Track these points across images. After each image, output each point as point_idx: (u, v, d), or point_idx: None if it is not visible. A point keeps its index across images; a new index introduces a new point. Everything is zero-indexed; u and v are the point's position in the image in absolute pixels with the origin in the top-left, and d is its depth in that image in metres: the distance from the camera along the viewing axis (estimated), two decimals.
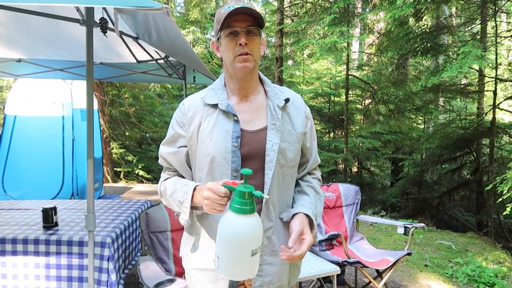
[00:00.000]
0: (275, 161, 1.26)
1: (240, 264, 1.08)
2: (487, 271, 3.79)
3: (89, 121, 2.19)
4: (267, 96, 1.35)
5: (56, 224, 2.73)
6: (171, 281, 2.42)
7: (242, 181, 1.08)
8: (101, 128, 7.65)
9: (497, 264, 4.30)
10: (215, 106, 1.30)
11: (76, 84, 5.42)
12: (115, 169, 9.54)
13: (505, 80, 8.11)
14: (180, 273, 2.51)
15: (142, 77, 5.31)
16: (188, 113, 1.32)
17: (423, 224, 3.14)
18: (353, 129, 10.46)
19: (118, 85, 9.15)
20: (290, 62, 11.62)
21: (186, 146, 1.33)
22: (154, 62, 4.08)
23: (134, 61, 3.96)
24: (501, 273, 3.89)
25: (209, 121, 1.28)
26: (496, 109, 6.89)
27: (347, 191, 3.49)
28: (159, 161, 1.42)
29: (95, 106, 6.17)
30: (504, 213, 4.35)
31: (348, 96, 8.87)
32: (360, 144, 9.81)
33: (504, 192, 4.56)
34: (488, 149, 7.60)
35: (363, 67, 9.70)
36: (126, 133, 9.78)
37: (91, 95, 2.20)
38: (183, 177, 1.38)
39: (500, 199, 4.57)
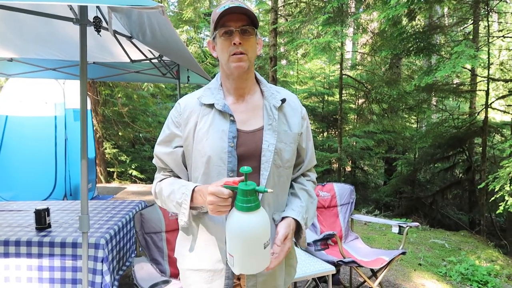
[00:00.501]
0: (271, 161, 1.26)
1: (255, 258, 1.10)
2: (480, 270, 3.82)
3: (83, 121, 2.17)
4: (263, 96, 1.35)
5: (49, 226, 2.70)
6: (166, 282, 2.41)
7: (242, 178, 1.08)
8: (94, 128, 7.59)
9: (489, 263, 4.34)
10: (211, 106, 1.29)
11: (68, 83, 5.37)
12: (108, 169, 9.47)
13: (497, 80, 8.18)
14: (175, 274, 2.50)
15: (135, 77, 5.27)
16: (184, 113, 1.31)
17: (417, 224, 3.16)
18: (347, 129, 10.50)
19: (111, 84, 9.08)
20: (284, 61, 11.62)
21: (182, 146, 1.32)
22: (148, 61, 4.06)
23: (128, 60, 3.93)
24: (494, 271, 3.92)
25: (205, 121, 1.27)
26: (488, 109, 6.96)
27: (342, 191, 3.50)
28: (154, 161, 1.41)
29: (88, 106, 6.11)
30: (497, 212, 4.39)
31: (342, 95, 8.90)
32: (354, 143, 9.84)
33: (496, 190, 4.60)
34: (481, 148, 7.67)
35: (356, 67, 9.74)
36: (119, 133, 9.72)
37: (85, 94, 2.18)
38: (178, 177, 1.37)
39: (492, 198, 4.61)
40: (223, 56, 1.26)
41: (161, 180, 1.36)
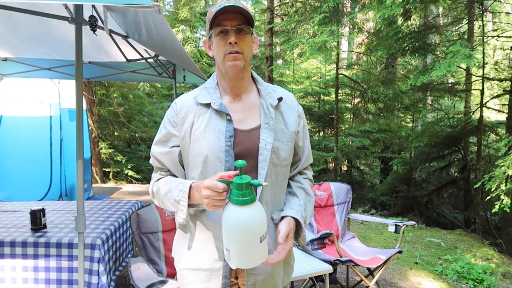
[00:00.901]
0: (269, 160, 1.26)
1: (251, 253, 1.10)
2: (476, 268, 3.84)
3: (78, 121, 2.15)
4: (260, 95, 1.35)
5: (45, 226, 2.69)
6: (163, 282, 2.40)
7: (237, 172, 1.08)
8: (90, 128, 7.55)
9: (485, 261, 4.36)
10: (207, 105, 1.29)
11: (64, 83, 5.34)
12: (104, 169, 9.43)
13: (492, 79, 8.23)
14: (172, 274, 2.49)
15: (131, 76, 5.25)
16: (180, 112, 1.31)
17: (413, 222, 3.17)
18: (343, 128, 10.52)
19: (106, 84, 9.05)
20: (280, 61, 11.62)
21: (178, 146, 1.32)
22: (143, 61, 4.04)
23: (124, 60, 3.91)
24: (489, 270, 3.95)
25: (202, 121, 1.27)
26: (483, 108, 7.00)
27: (338, 190, 3.50)
28: (151, 161, 1.40)
29: (84, 105, 6.07)
30: (493, 211, 4.41)
31: (338, 95, 8.91)
32: (350, 142, 9.87)
33: (492, 189, 4.62)
34: (476, 147, 7.72)
35: (352, 66, 9.76)
36: (115, 133, 9.68)
37: (81, 94, 2.17)
38: (176, 176, 1.37)
39: (488, 197, 4.63)
40: (218, 55, 1.26)
41: (158, 180, 1.36)
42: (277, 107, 1.33)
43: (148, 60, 4.03)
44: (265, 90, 1.36)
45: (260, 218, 1.08)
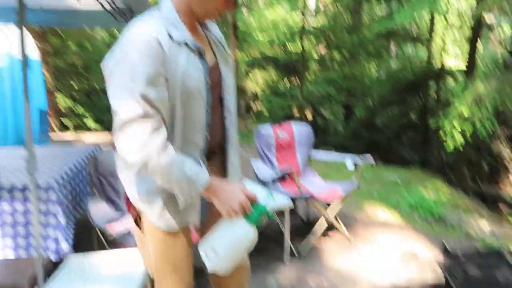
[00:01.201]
0: (231, 90, 1.35)
1: (236, 261, 1.24)
2: (428, 201, 4.12)
3: (24, 65, 2.07)
4: (206, 28, 1.36)
5: None
6: (121, 218, 2.43)
7: (255, 196, 1.22)
8: (45, 80, 7.17)
9: (436, 193, 4.66)
10: (182, 42, 1.20)
11: (14, 31, 4.95)
12: (63, 120, 9.10)
13: (453, 27, 8.37)
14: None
15: (85, 22, 4.93)
16: (164, 48, 1.15)
17: (371, 160, 3.24)
18: (308, 76, 10.51)
19: (62, 34, 8.55)
20: (245, 10, 11.29)
21: (164, 86, 1.16)
22: (99, 5, 3.74)
23: (77, 5, 3.63)
24: (439, 202, 4.24)
25: (182, 58, 1.18)
26: (444, 55, 7.17)
27: (300, 131, 3.56)
28: (137, 107, 1.11)
29: (37, 56, 5.70)
30: (448, 150, 4.66)
31: (304, 44, 8.84)
32: (315, 90, 9.91)
33: (447, 129, 4.86)
34: (435, 92, 7.99)
35: (319, 15, 9.62)
36: (73, 84, 9.27)
37: (24, 41, 2.08)
38: (164, 123, 1.17)
39: (443, 136, 4.87)
40: (211, 4, 1.22)
41: (170, 148, 1.15)
42: (219, 40, 1.38)
43: (104, 5, 3.75)
44: (209, 23, 1.38)
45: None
